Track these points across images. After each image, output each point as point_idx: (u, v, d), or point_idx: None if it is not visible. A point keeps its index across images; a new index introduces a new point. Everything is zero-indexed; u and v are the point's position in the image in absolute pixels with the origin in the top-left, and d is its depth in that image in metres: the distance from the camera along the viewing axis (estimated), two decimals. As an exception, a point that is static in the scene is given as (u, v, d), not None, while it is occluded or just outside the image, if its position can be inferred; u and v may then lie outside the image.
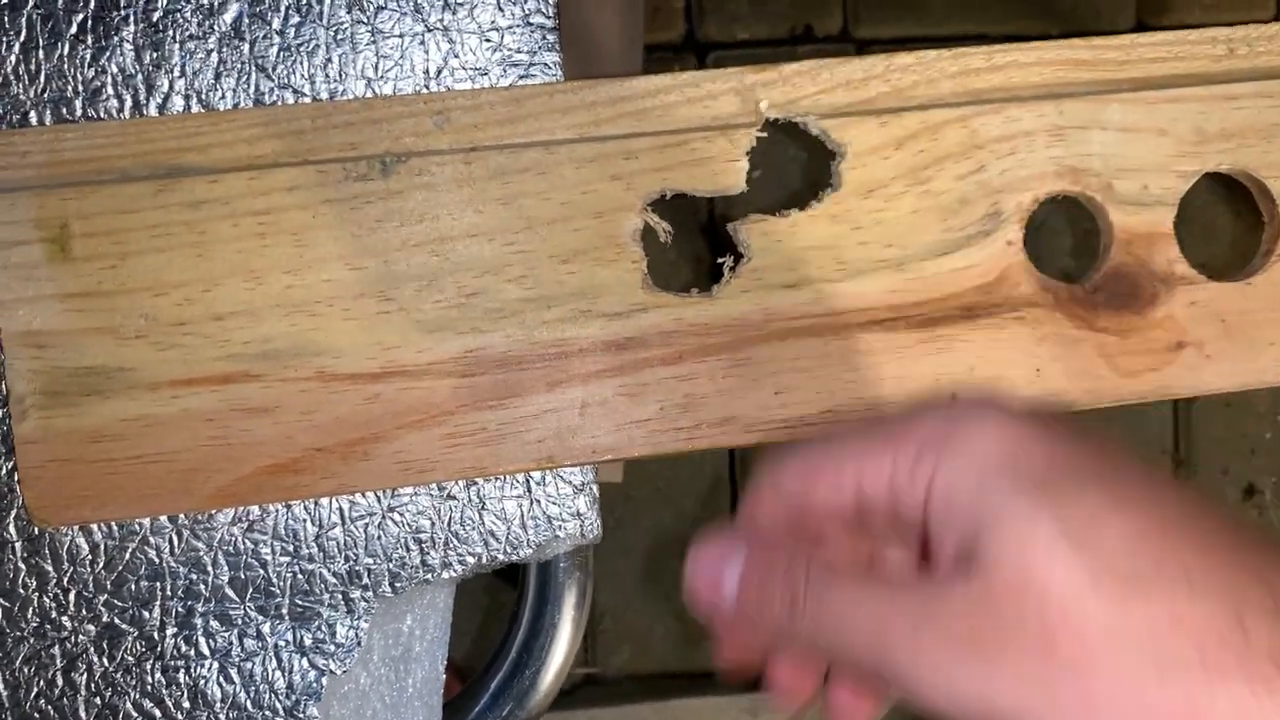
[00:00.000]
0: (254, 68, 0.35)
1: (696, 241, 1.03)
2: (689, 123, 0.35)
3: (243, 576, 0.36)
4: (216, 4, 0.35)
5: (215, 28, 0.35)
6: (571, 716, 1.09)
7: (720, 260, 0.35)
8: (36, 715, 0.35)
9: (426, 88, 0.36)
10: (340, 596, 0.36)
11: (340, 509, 0.36)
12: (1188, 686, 0.23)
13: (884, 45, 1.09)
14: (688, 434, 0.35)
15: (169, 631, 0.36)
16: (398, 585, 0.36)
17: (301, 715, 0.36)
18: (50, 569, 0.35)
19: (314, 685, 0.36)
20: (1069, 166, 0.36)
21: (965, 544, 0.25)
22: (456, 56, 0.36)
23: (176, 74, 0.35)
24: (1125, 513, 0.24)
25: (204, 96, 0.35)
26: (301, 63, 0.35)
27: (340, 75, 0.35)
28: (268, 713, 0.36)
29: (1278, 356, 0.37)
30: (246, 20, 0.35)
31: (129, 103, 0.35)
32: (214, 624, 0.36)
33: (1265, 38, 0.37)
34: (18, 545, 0.35)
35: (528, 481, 0.36)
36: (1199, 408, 1.12)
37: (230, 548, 0.36)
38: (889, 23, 1.11)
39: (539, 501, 0.36)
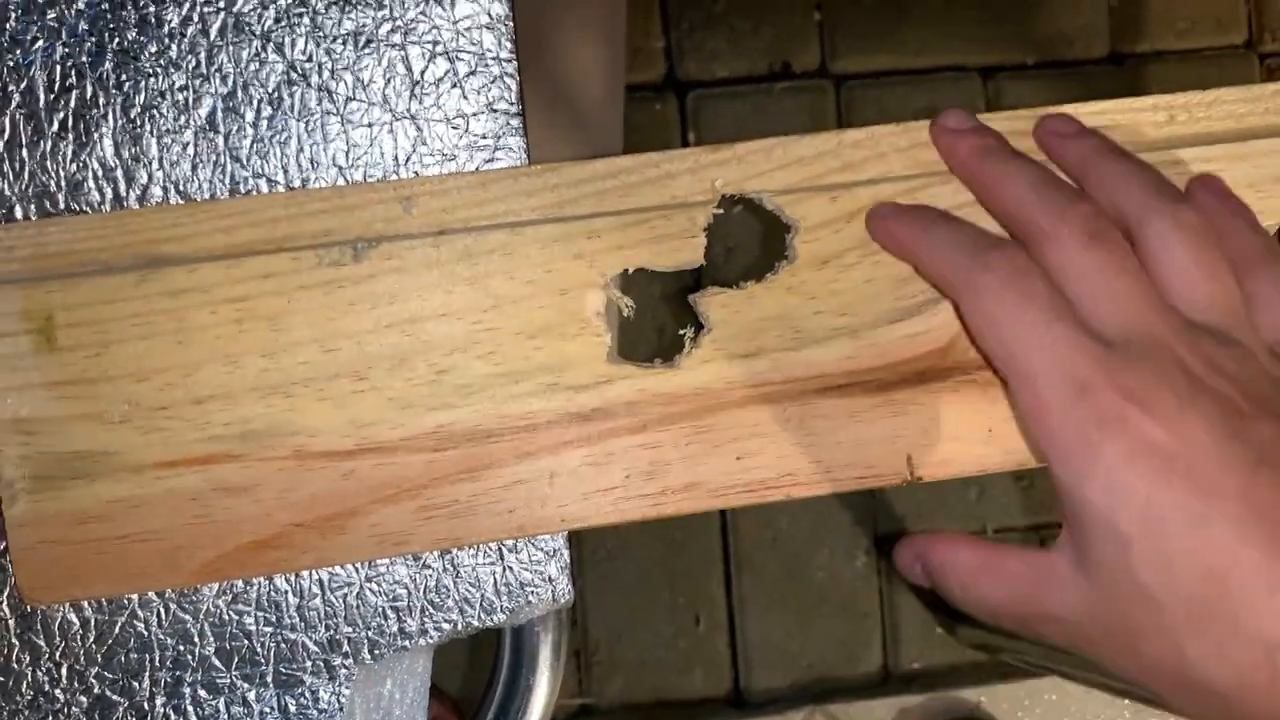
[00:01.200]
0: (229, 158, 0.37)
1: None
2: (649, 202, 0.36)
3: (228, 646, 0.37)
4: (192, 99, 0.36)
5: (191, 121, 0.37)
6: None
7: (681, 332, 0.37)
8: (32, 786, 0.36)
9: (396, 173, 0.37)
10: (322, 664, 0.37)
11: (320, 580, 0.37)
12: None
13: (862, 79, 1.11)
14: (654, 500, 0.36)
15: (159, 701, 0.37)
16: (376, 652, 0.37)
17: None
18: (43, 644, 0.36)
19: None
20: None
21: None
22: (425, 143, 0.37)
23: (155, 166, 0.36)
24: None
25: (181, 187, 0.36)
26: (275, 153, 0.37)
27: (312, 164, 0.37)
28: (254, 777, 0.37)
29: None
30: (221, 114, 0.37)
31: (109, 195, 0.36)
32: (202, 693, 0.37)
33: (1204, 104, 0.38)
34: (11, 622, 0.36)
35: (500, 549, 0.37)
36: None
37: (216, 619, 0.37)
38: (866, 56, 1.13)
39: (512, 568, 0.37)
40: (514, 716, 0.39)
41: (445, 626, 0.37)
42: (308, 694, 0.37)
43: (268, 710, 0.37)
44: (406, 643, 0.37)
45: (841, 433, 0.37)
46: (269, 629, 0.37)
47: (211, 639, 0.37)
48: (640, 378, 0.36)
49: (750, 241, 0.84)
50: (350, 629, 0.37)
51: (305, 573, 0.37)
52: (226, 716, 0.37)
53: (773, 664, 1.15)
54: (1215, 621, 0.28)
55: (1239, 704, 0.29)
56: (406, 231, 0.36)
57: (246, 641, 0.37)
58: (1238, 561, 0.28)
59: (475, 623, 0.37)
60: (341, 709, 0.37)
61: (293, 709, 0.37)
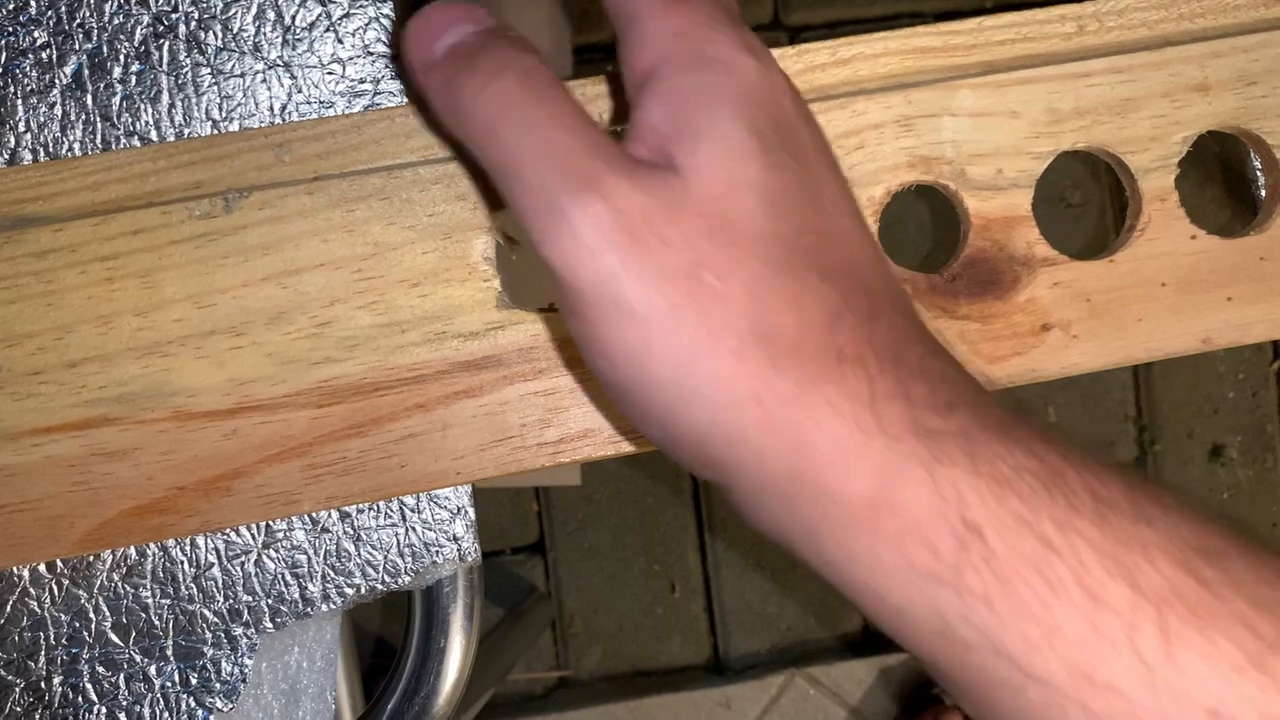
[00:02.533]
0: (99, 117, 0.35)
1: None
2: (534, 138, 0.35)
3: (125, 621, 0.36)
4: (56, 57, 0.35)
5: (56, 81, 0.35)
6: None
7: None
8: (-74, 772, 0.35)
9: (272, 124, 0.36)
10: (222, 634, 0.36)
11: (216, 549, 0.36)
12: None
13: (816, 31, 1.09)
14: (552, 449, 0.35)
15: (55, 680, 0.36)
16: (278, 620, 0.36)
17: None
18: (-69, 626, 0.35)
19: None
20: (920, 156, 0.36)
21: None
22: (300, 91, 0.36)
23: (22, 129, 0.35)
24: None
25: (51, 149, 0.35)
26: (146, 110, 0.35)
27: (186, 118, 0.35)
28: (157, 753, 0.36)
29: (1145, 332, 0.36)
30: (87, 71, 0.35)
31: (-26, 158, 0.35)
32: (100, 669, 0.36)
33: (1115, 12, 0.36)
34: (-103, 604, 0.35)
35: (402, 510, 0.36)
36: (1158, 372, 1.12)
37: (110, 593, 0.36)
38: (820, 7, 1.11)
39: (415, 529, 0.36)
40: (427, 681, 0.38)
41: (349, 591, 0.36)
42: (209, 666, 0.36)
43: (169, 684, 0.36)
44: (309, 609, 0.36)
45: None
46: (166, 601, 0.36)
47: (108, 614, 0.36)
48: (533, 322, 0.35)
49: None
50: (250, 597, 0.36)
51: (201, 541, 0.36)
52: (126, 692, 0.36)
53: (751, 629, 1.14)
54: None
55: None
56: (280, 180, 0.34)
57: (144, 615, 0.36)
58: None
59: (380, 586, 0.36)
60: (245, 679, 0.36)
61: (194, 681, 0.36)
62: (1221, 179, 1.09)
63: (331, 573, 0.36)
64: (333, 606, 0.36)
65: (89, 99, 0.35)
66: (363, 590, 0.36)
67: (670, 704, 1.11)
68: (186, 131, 0.35)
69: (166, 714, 0.36)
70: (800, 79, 0.35)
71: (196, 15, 0.35)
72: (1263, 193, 0.38)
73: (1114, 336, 0.36)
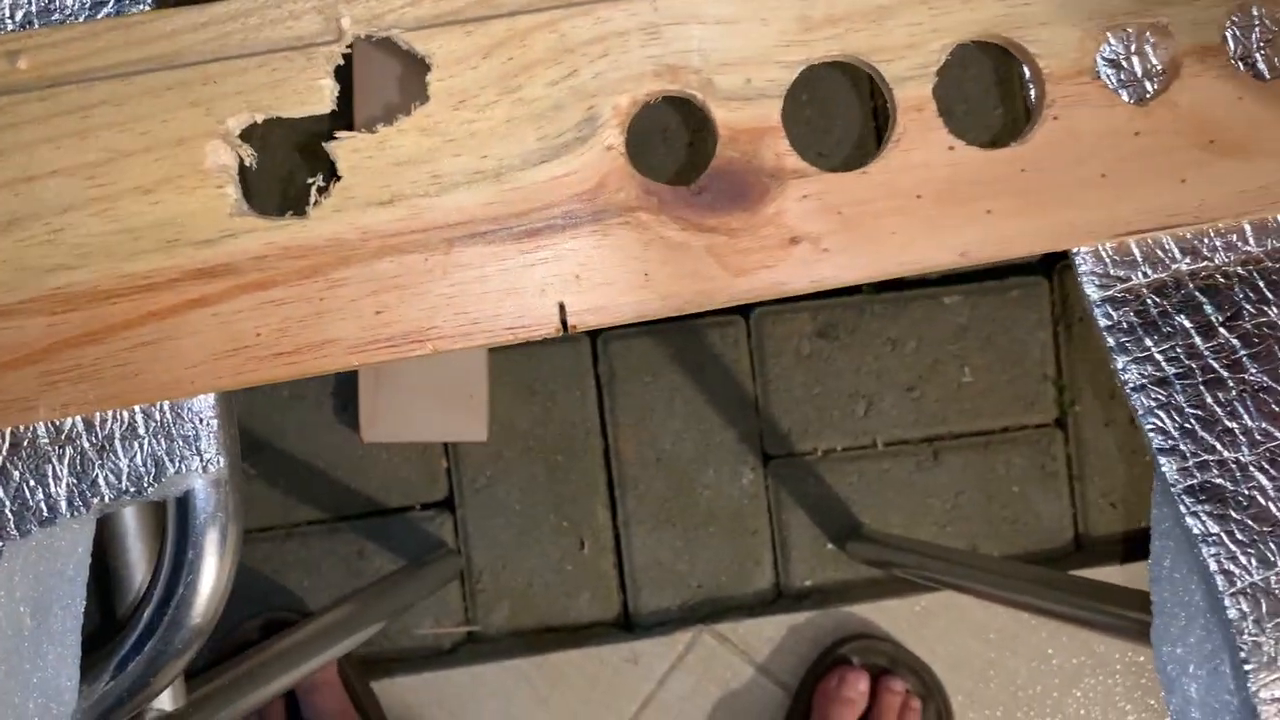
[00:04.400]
0: None
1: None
2: (271, 44, 0.35)
3: None
4: None
5: None
6: (453, 675, 1.10)
7: (310, 181, 0.35)
8: None
9: (9, 33, 0.35)
10: None
11: None
12: None
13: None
14: (288, 360, 0.35)
15: None
16: (24, 528, 0.36)
17: None
18: None
19: None
20: (667, 65, 0.35)
21: None
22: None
23: None
24: None
25: None
26: (-119, 11, 0.35)
27: (-79, 20, 0.35)
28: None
29: (900, 245, 0.36)
30: None
31: None
32: None
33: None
34: None
35: (146, 420, 0.36)
36: (1078, 332, 1.10)
37: None
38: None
39: (159, 439, 0.36)
40: (177, 591, 0.38)
41: (93, 500, 0.36)
42: None
43: None
44: (54, 517, 0.36)
45: (487, 282, 0.35)
46: None
47: None
48: (267, 231, 0.35)
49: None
50: None
51: (-54, 450, 0.36)
52: None
53: (661, 585, 1.13)
54: None
55: None
56: (13, 86, 0.34)
57: None
58: None
59: (125, 496, 0.36)
60: None
61: None
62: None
63: (76, 481, 0.36)
64: (79, 514, 0.36)
65: None
66: (107, 499, 0.36)
67: (577, 659, 1.11)
68: (-71, 38, 0.35)
69: None
70: (545, -14, 0.35)
71: (-64, -80, 0.35)
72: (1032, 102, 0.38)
73: (866, 250, 0.36)
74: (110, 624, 0.40)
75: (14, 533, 0.36)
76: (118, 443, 0.36)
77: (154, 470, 0.36)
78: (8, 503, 0.36)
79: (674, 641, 1.12)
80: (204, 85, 0.34)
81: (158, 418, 0.36)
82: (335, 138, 0.35)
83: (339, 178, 0.35)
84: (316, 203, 0.35)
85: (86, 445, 0.36)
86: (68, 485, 0.36)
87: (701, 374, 1.11)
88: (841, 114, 1.03)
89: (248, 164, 0.35)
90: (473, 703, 1.10)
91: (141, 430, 0.36)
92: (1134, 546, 1.12)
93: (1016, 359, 1.11)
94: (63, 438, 0.36)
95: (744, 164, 0.36)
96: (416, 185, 0.35)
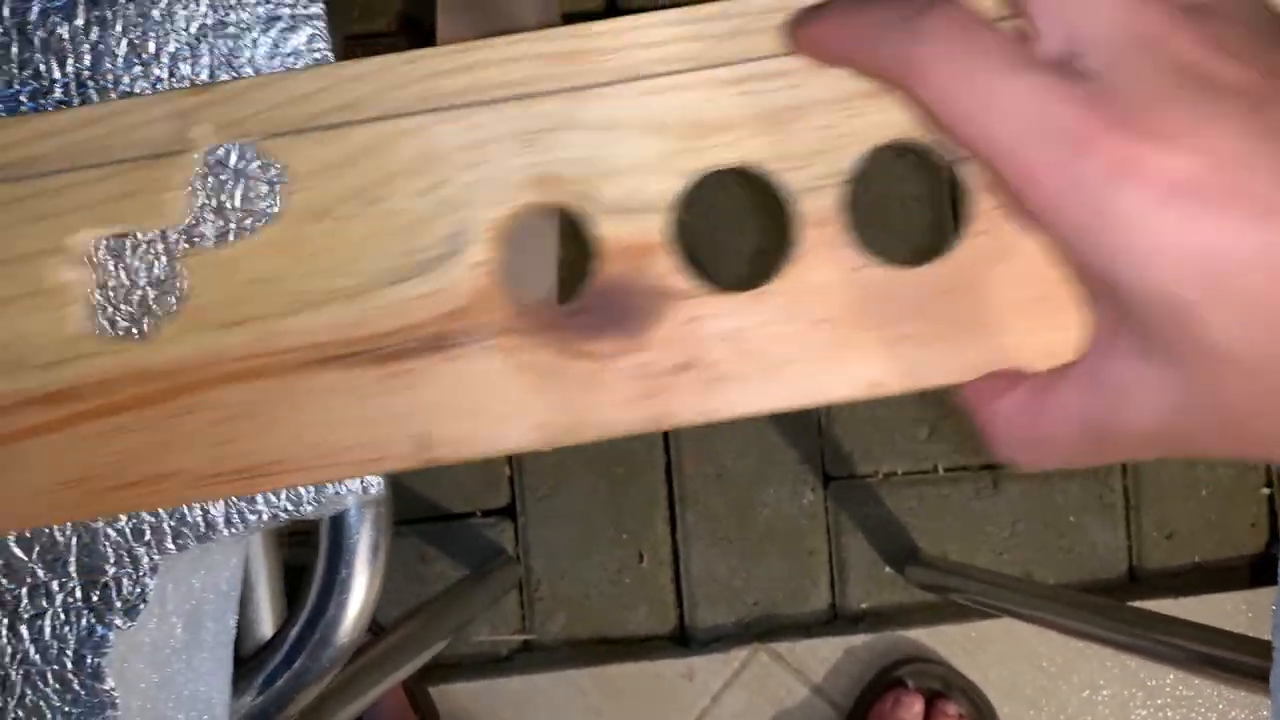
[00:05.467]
0: None
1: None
2: (122, 154, 0.32)
3: (28, 534, 0.35)
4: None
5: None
6: (508, 684, 1.10)
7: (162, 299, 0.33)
8: None
9: None
10: (125, 553, 0.35)
11: None
12: None
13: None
14: (122, 494, 0.33)
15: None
16: (180, 542, 0.35)
17: (89, 669, 0.36)
18: None
19: (101, 640, 0.36)
20: (544, 174, 0.32)
21: None
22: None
23: None
24: None
25: None
26: None
27: None
28: (56, 667, 0.36)
29: (800, 375, 0.32)
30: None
31: None
32: (2, 580, 0.35)
33: (776, 10, 0.32)
34: None
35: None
36: None
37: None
38: None
39: None
40: (328, 610, 0.38)
41: (250, 518, 0.35)
42: (111, 583, 0.35)
43: (70, 599, 0.35)
44: (212, 534, 0.35)
45: (345, 410, 0.32)
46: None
47: (9, 528, 0.35)
48: (112, 354, 0.32)
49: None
50: (152, 518, 0.35)
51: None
52: (28, 604, 0.35)
53: (718, 601, 1.12)
54: None
55: None
56: None
57: (47, 530, 0.35)
58: None
59: (282, 514, 0.35)
60: (145, 600, 0.35)
61: (95, 598, 0.35)
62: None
63: (234, 498, 0.35)
64: (235, 532, 0.35)
65: None
66: (264, 517, 0.35)
67: (632, 673, 1.10)
68: None
69: (66, 629, 0.35)
70: (420, 86, 0.32)
71: None
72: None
73: (762, 379, 0.33)
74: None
75: (171, 548, 0.35)
76: None
77: (313, 489, 0.35)
78: (166, 518, 0.35)
79: (730, 659, 1.11)
80: (51, 199, 0.32)
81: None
82: (183, 255, 0.32)
83: (187, 297, 0.32)
84: (164, 323, 0.32)
85: None
86: (226, 502, 0.35)
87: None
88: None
89: (106, 280, 0.33)
90: (527, 711, 1.11)
91: None
92: (1188, 580, 1.11)
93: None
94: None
95: (627, 283, 0.32)
96: (270, 305, 0.32)
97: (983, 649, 1.10)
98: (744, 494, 1.12)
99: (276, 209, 0.32)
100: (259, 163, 0.32)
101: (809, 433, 1.11)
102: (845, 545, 1.12)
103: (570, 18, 1.05)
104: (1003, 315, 0.32)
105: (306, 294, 0.32)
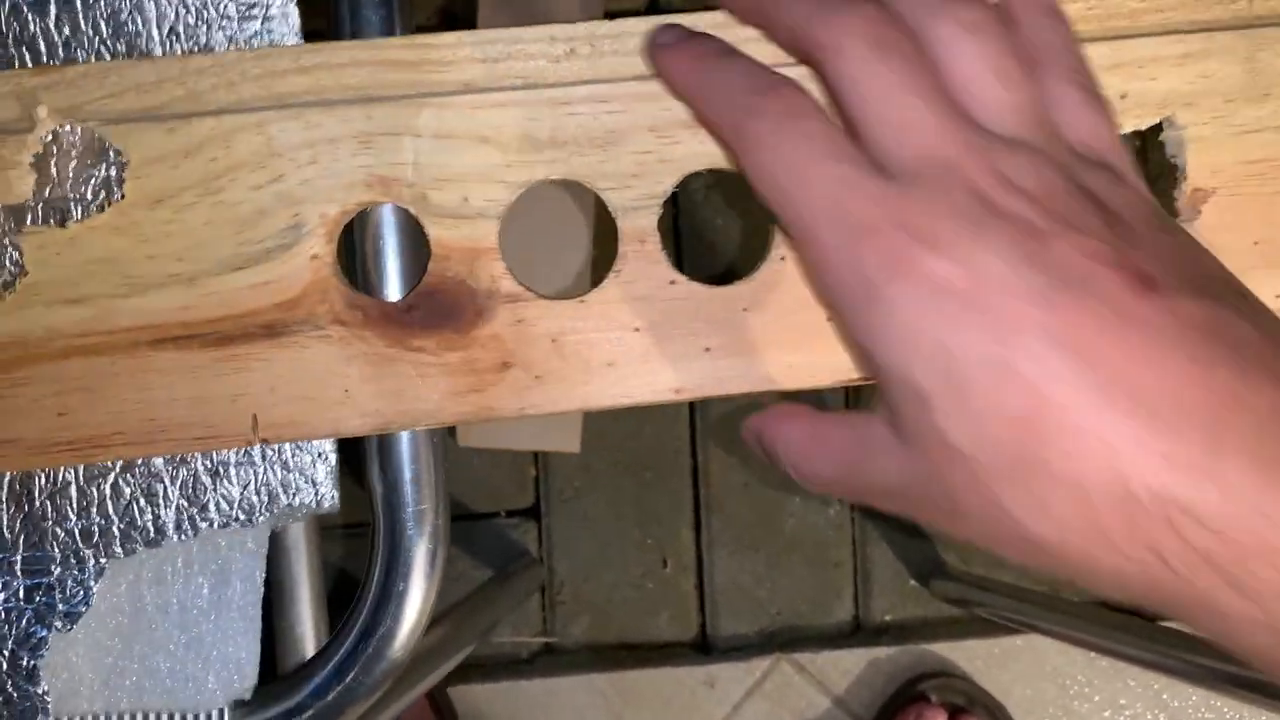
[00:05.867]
0: None
1: None
2: (-34, 131, 0.33)
3: None
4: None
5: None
6: (529, 686, 1.10)
7: None
8: None
9: None
10: (72, 555, 0.36)
11: (75, 468, 0.36)
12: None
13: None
14: (-32, 457, 0.34)
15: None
16: (129, 546, 0.36)
17: (24, 670, 0.36)
18: None
19: (40, 643, 0.36)
20: (379, 176, 0.34)
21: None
22: None
23: None
24: None
25: None
26: None
27: None
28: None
29: (614, 378, 0.35)
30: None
31: None
32: None
33: (612, 35, 0.34)
34: None
35: (263, 449, 0.36)
36: None
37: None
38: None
39: (274, 469, 0.36)
40: (383, 623, 0.38)
41: (201, 525, 0.36)
42: (55, 585, 0.36)
43: (13, 599, 0.36)
44: (160, 539, 0.36)
45: (178, 389, 0.34)
46: (20, 516, 0.36)
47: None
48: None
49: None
50: (102, 520, 0.36)
51: (59, 462, 0.35)
52: None
53: (740, 610, 1.12)
54: (1030, 472, 0.26)
55: (1068, 557, 0.26)
56: None
57: None
58: (1045, 401, 0.25)
59: (233, 523, 0.36)
60: (88, 604, 0.36)
61: (39, 599, 0.36)
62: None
63: (186, 504, 0.36)
64: (185, 538, 0.36)
65: None
66: (216, 524, 0.36)
67: (654, 679, 1.10)
68: None
69: (6, 628, 0.36)
70: (257, 84, 0.33)
71: None
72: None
73: (579, 380, 0.35)
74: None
75: (119, 552, 0.36)
76: (232, 469, 0.36)
77: (267, 499, 0.36)
78: (116, 520, 0.36)
79: (751, 668, 1.11)
80: None
81: (276, 446, 0.36)
82: (21, 232, 0.33)
83: (26, 272, 0.34)
84: (1, 297, 0.33)
85: (201, 469, 0.36)
86: (178, 508, 0.36)
87: (796, 401, 1.10)
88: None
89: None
90: (546, 715, 1.10)
91: (258, 458, 0.36)
92: None
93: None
94: (178, 459, 0.36)
95: (457, 283, 0.34)
96: (108, 285, 0.34)
97: (1006, 665, 1.09)
98: (770, 503, 1.11)
99: (116, 193, 0.33)
100: (100, 147, 0.33)
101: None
102: (870, 557, 1.12)
103: (612, 14, 1.03)
104: (793, 334, 0.35)
105: (145, 277, 0.34)
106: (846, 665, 1.10)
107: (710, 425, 1.09)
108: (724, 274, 0.34)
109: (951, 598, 1.09)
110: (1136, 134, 0.35)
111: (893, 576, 1.13)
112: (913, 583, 1.12)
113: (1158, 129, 0.35)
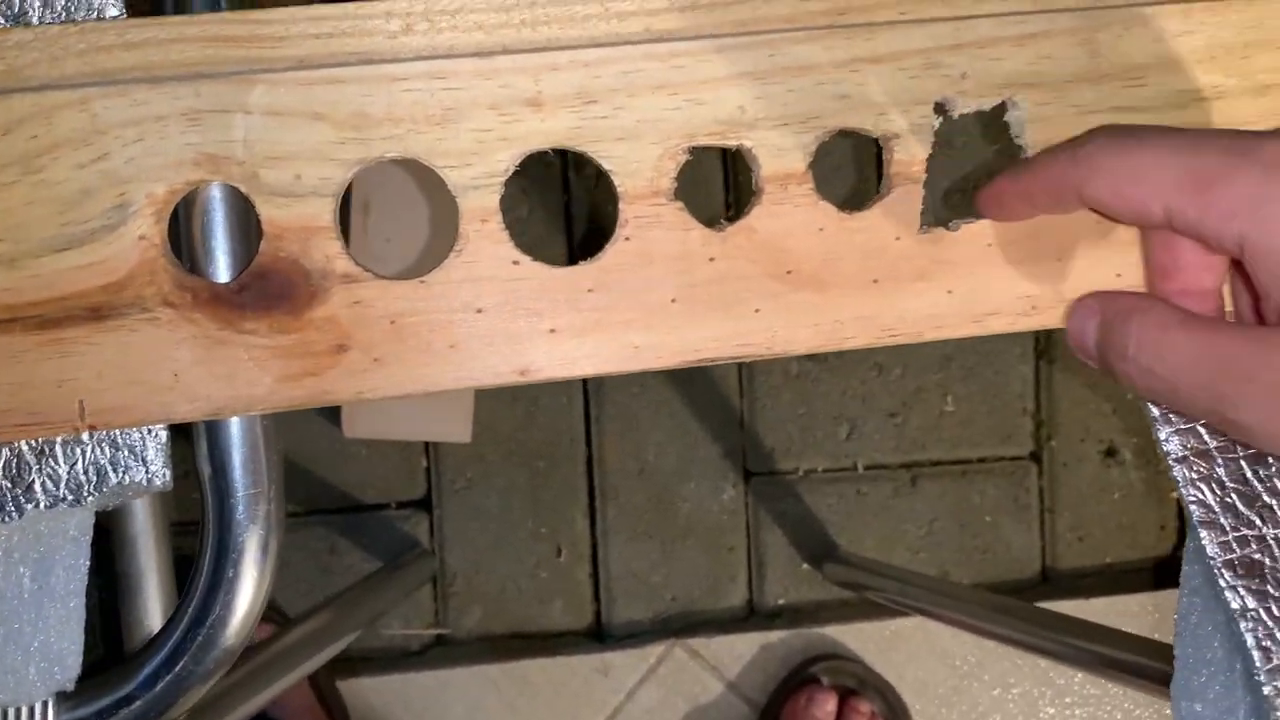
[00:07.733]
0: None
1: None
2: None
3: None
4: None
5: None
6: (420, 678, 1.08)
7: None
8: None
9: None
10: None
11: None
12: None
13: None
14: None
15: None
16: None
17: None
18: None
19: None
20: (208, 154, 0.33)
21: None
22: None
23: None
24: None
25: None
26: None
27: None
28: None
29: (457, 360, 0.34)
30: None
31: None
32: None
33: (449, 11, 0.33)
34: None
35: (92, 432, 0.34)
36: (1060, 369, 1.10)
37: None
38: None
39: (102, 448, 0.34)
40: (214, 611, 0.36)
41: (27, 506, 0.34)
42: None
43: None
44: None
45: (1, 374, 0.33)
46: None
47: None
48: None
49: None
50: None
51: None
52: None
53: (635, 596, 1.11)
54: None
55: None
56: None
57: None
58: None
59: (61, 504, 0.34)
60: None
61: None
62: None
63: (10, 485, 0.34)
64: (10, 520, 0.34)
65: None
66: (42, 505, 0.34)
67: (547, 668, 1.09)
68: None
69: None
70: (81, 60, 0.32)
71: None
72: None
73: (419, 362, 0.34)
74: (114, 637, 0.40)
75: None
76: (59, 448, 0.34)
77: (95, 479, 0.34)
78: None
79: (645, 654, 1.10)
80: None
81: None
82: None
83: None
84: None
85: (25, 449, 0.34)
86: (1, 489, 0.34)
87: (689, 388, 1.09)
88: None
89: None
90: (439, 707, 1.09)
91: (85, 437, 0.34)
92: (1098, 581, 1.13)
93: (997, 391, 1.09)
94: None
95: (289, 264, 0.33)
96: (-75, 271, 0.32)
97: (897, 647, 1.10)
98: (664, 489, 1.11)
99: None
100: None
101: (731, 428, 1.10)
102: (764, 541, 1.12)
103: None
104: (638, 314, 0.35)
105: (-37, 259, 0.33)
106: (740, 650, 1.11)
107: (604, 412, 1.09)
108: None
109: (843, 581, 1.10)
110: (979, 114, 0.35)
111: (785, 560, 1.13)
112: (805, 566, 1.13)
113: (1001, 109, 0.35)
